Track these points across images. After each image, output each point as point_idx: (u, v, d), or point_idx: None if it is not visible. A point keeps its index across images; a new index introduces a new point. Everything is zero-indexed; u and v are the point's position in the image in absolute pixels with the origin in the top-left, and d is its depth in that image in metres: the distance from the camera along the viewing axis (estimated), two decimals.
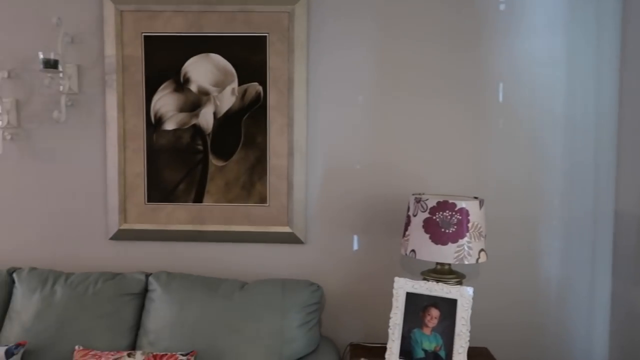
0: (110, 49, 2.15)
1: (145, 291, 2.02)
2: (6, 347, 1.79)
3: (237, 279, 2.05)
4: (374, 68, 2.13)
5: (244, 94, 2.16)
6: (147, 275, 2.05)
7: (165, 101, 2.18)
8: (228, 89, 2.16)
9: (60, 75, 2.12)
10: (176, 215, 2.21)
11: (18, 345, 1.81)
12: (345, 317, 2.20)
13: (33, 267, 2.10)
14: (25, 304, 1.95)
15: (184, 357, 1.73)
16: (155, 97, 2.18)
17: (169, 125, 2.19)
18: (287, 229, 2.17)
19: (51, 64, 2.04)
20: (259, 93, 2.16)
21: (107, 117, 2.18)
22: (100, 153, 2.22)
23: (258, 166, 2.18)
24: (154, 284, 1.99)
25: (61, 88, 2.14)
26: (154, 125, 2.19)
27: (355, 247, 2.19)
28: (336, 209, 2.18)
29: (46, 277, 2.03)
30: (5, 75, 2.20)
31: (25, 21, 2.20)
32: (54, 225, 2.26)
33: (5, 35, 2.20)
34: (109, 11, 2.14)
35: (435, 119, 2.14)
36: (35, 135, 2.24)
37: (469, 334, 1.71)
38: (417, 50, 2.12)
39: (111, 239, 2.22)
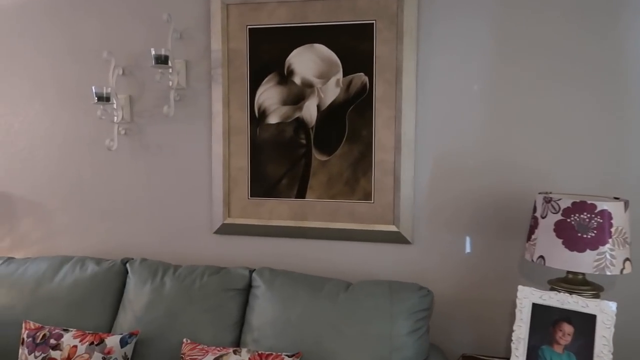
0: (217, 43, 2.15)
1: (249, 287, 1.99)
2: (120, 335, 1.85)
3: (340, 279, 1.96)
4: (492, 53, 1.93)
5: (348, 85, 2.07)
6: (251, 271, 2.02)
7: (269, 94, 2.14)
8: (332, 80, 2.08)
9: (170, 70, 2.15)
10: (278, 210, 2.17)
11: (131, 335, 1.86)
12: (455, 326, 2.03)
13: (144, 258, 2.16)
14: (137, 294, 2.00)
15: (290, 359, 1.67)
16: (259, 91, 2.15)
17: (272, 119, 2.15)
18: (392, 228, 2.05)
19: (162, 60, 2.08)
20: (365, 84, 2.05)
21: (212, 111, 2.19)
22: (205, 147, 2.23)
23: (362, 161, 2.07)
24: (257, 280, 1.96)
25: (170, 83, 2.18)
26: (257, 119, 2.17)
27: (468, 249, 2.01)
28: (447, 207, 2.01)
29: (156, 269, 2.07)
30: (120, 72, 2.29)
31: (137, 19, 2.26)
32: (163, 217, 2.32)
33: (120, 34, 2.29)
34: (216, 5, 2.14)
35: (563, 108, 1.89)
36: (146, 129, 2.30)
37: (611, 355, 1.48)
38: (544, 30, 1.88)
39: (215, 232, 2.24)
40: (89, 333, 1.87)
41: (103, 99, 2.16)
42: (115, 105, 2.24)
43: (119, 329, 1.97)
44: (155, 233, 2.33)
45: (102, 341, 1.83)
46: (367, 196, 2.08)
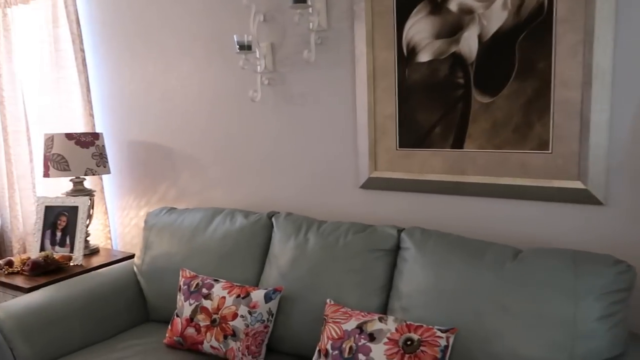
0: None
1: (397, 248, 1.79)
2: (265, 290, 1.81)
3: (507, 245, 1.63)
4: None
5: (519, 7, 1.65)
6: (399, 231, 1.81)
7: (419, 27, 1.84)
8: (498, 3, 1.68)
9: (310, 10, 1.97)
10: (431, 163, 1.89)
11: (275, 291, 1.81)
12: None
13: (289, 213, 2.09)
14: (281, 249, 1.94)
15: (443, 334, 1.44)
16: (408, 24, 1.86)
17: (423, 57, 1.84)
18: (577, 184, 1.63)
19: None
20: (541, 2, 1.61)
21: (356, 53, 1.96)
22: (349, 93, 2.03)
23: (537, 101, 1.67)
24: (407, 242, 1.74)
25: (310, 25, 2.00)
26: (406, 58, 1.88)
27: None
28: None
29: (300, 224, 1.98)
30: (261, 18, 2.18)
31: None
32: (307, 170, 2.21)
33: None
34: None
35: None
36: (288, 78, 2.18)
37: None
38: None
39: (361, 187, 2.06)
40: (236, 285, 1.87)
41: (245, 47, 2.08)
42: (257, 54, 2.16)
43: (264, 283, 1.94)
44: (300, 186, 2.24)
45: (247, 294, 1.81)
46: (543, 145, 1.68)
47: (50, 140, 2.49)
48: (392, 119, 1.95)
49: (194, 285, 1.92)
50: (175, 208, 2.42)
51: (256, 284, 1.98)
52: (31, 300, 1.96)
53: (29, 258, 2.35)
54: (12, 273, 2.31)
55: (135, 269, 2.28)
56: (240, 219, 2.14)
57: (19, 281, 2.22)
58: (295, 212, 2.22)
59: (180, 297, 1.94)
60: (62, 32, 2.79)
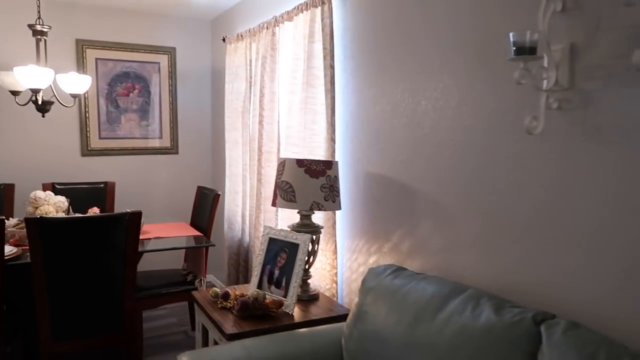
0: None
1: None
2: None
3: None
4: None
5: None
6: None
7: None
8: None
9: None
10: None
11: None
12: None
13: (573, 323, 1.25)
14: None
15: None
16: None
17: None
18: None
19: None
20: None
21: None
22: None
23: None
24: None
25: None
26: None
27: None
28: None
29: (595, 350, 1.13)
30: (558, 7, 1.40)
31: None
32: (616, 252, 1.31)
33: None
34: None
35: None
36: (596, 99, 1.34)
37: None
38: None
39: None
40: None
41: (525, 51, 1.34)
42: (545, 62, 1.39)
43: None
44: (598, 276, 1.35)
45: None
46: None
47: (282, 165, 2.23)
48: None
49: None
50: (404, 269, 1.83)
51: None
52: (221, 356, 1.66)
53: (242, 295, 2.12)
54: (225, 308, 2.11)
55: (343, 341, 1.77)
56: (487, 311, 1.40)
57: (226, 321, 1.99)
58: (583, 323, 1.33)
59: None
60: (316, 47, 2.55)
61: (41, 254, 2.24)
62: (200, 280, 3.05)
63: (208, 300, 2.20)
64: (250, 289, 2.21)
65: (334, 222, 2.46)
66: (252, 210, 3.23)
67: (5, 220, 2.74)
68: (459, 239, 1.82)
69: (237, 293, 2.16)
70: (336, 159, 2.44)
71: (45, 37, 2.77)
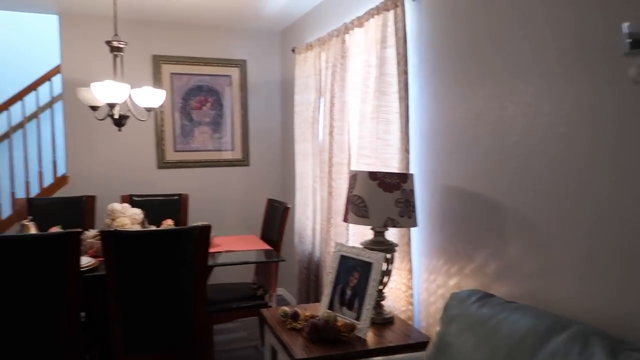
0: None
1: None
2: None
3: None
4: None
5: None
6: None
7: None
8: None
9: None
10: None
11: None
12: None
13: None
14: None
15: None
16: None
17: None
18: None
19: None
20: None
21: None
22: None
23: None
24: None
25: None
26: None
27: None
28: None
29: None
30: None
31: None
32: None
33: None
34: None
35: None
36: None
37: None
38: None
39: None
40: None
41: None
42: None
43: None
44: None
45: None
46: None
47: (353, 178, 2.10)
48: None
49: None
50: (492, 295, 1.63)
51: None
52: None
53: (313, 316, 2.00)
54: (294, 329, 2.00)
55: None
56: (600, 354, 1.17)
57: (295, 344, 1.87)
58: None
59: None
60: (389, 52, 2.40)
61: (114, 266, 2.26)
62: (270, 295, 2.98)
63: (277, 320, 2.10)
64: (320, 310, 2.09)
65: (409, 239, 2.28)
66: (322, 224, 3.12)
67: (85, 232, 2.84)
68: (556, 262, 1.59)
69: (307, 314, 2.05)
70: (411, 172, 2.27)
71: (121, 53, 2.84)
